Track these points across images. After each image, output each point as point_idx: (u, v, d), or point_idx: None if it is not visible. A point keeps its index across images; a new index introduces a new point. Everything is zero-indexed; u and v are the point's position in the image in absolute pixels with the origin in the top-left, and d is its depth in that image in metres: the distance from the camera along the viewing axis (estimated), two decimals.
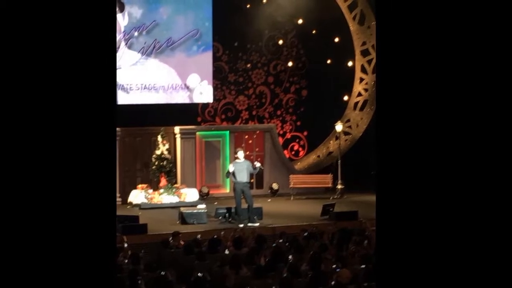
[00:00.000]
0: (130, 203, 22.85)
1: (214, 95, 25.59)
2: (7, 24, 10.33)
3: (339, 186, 24.92)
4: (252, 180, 21.88)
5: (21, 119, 10.18)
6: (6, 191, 10.17)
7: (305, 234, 16.39)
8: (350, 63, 26.98)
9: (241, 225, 19.50)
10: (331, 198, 24.02)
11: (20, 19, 10.23)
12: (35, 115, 10.19)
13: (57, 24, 10.23)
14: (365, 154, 22.86)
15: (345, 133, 26.74)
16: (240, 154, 20.79)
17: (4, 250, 10.09)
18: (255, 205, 20.76)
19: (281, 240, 16.55)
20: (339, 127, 25.84)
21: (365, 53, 26.87)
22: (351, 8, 26.60)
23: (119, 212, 17.69)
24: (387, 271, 10.59)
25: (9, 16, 10.34)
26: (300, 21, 26.51)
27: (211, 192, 24.46)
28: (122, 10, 23.75)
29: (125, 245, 15.70)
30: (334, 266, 13.84)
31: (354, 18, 26.71)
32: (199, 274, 13.19)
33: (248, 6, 26.00)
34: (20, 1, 10.35)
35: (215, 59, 25.63)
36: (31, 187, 10.13)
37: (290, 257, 14.48)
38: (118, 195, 22.25)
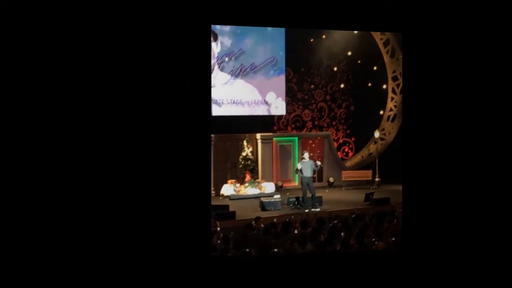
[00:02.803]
0: (222, 195, 22.72)
1: (287, 109, 25.47)
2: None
3: (376, 179, 24.82)
4: (314, 175, 21.40)
5: (148, 131, 10.32)
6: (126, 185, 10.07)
7: (353, 216, 16.20)
8: (384, 86, 26.92)
9: (306, 210, 19.43)
10: (371, 188, 23.80)
11: (141, 50, 10.26)
12: (155, 127, 10.24)
13: (168, 52, 10.36)
14: (396, 154, 22.54)
15: (381, 138, 26.70)
16: (306, 155, 20.74)
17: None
18: (317, 194, 20.52)
19: (335, 221, 15.87)
20: (376, 134, 25.91)
21: (394, 78, 26.84)
22: (385, 44, 26.62)
23: (213, 202, 17.37)
24: (411, 242, 11.39)
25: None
26: (349, 53, 26.50)
27: (284, 185, 24.14)
28: (216, 39, 23.73)
29: (218, 229, 15.31)
30: (373, 239, 13.57)
31: (387, 52, 26.68)
32: (275, 250, 12.79)
33: (311, 40, 26.05)
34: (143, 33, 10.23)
35: (287, 80, 25.53)
36: (147, 186, 10.16)
37: (342, 234, 14.12)
38: (212, 189, 21.82)
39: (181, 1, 10.72)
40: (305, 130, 26.38)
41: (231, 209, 19.73)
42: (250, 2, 10.93)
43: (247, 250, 12.99)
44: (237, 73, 24.42)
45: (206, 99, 11.01)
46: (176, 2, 10.71)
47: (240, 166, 23.55)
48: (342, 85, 26.94)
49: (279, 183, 24.10)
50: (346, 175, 25.38)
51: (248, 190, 22.86)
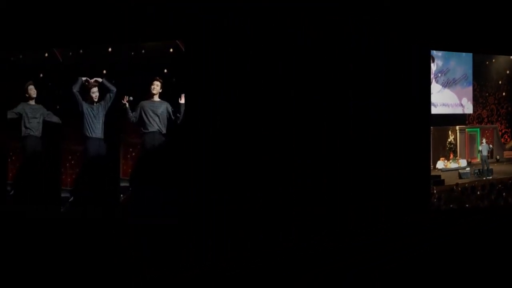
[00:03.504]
0: (437, 168, 20.59)
1: (473, 110, 24.75)
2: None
3: None
4: (488, 154, 22.15)
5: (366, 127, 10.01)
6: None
7: (510, 181, 16.49)
8: None
9: (484, 178, 17.56)
10: None
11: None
12: (392, 126, 10.35)
13: (394, 73, 10.37)
14: None
15: None
16: (484, 140, 19.49)
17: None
18: (490, 167, 20.56)
19: (500, 186, 16.41)
20: None
21: None
22: None
23: (432, 173, 16.93)
24: None
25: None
26: (507, 72, 23.00)
27: (472, 161, 22.57)
28: (433, 61, 20.95)
29: (434, 191, 15.40)
30: None
31: None
32: (466, 205, 14.16)
33: (487, 62, 21.43)
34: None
35: (473, 90, 23.93)
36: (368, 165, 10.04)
37: (504, 194, 14.81)
38: (432, 164, 20.36)
39: None
40: (483, 123, 25.12)
41: (442, 177, 17.54)
42: (457, 35, 11.60)
43: (451, 206, 14.11)
44: (445, 84, 19.90)
45: (427, 102, 12.32)
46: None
47: (447, 148, 19.33)
48: (504, 93, 25.26)
49: (469, 160, 22.82)
50: (507, 153, 22.35)
51: (451, 164, 18.32)
